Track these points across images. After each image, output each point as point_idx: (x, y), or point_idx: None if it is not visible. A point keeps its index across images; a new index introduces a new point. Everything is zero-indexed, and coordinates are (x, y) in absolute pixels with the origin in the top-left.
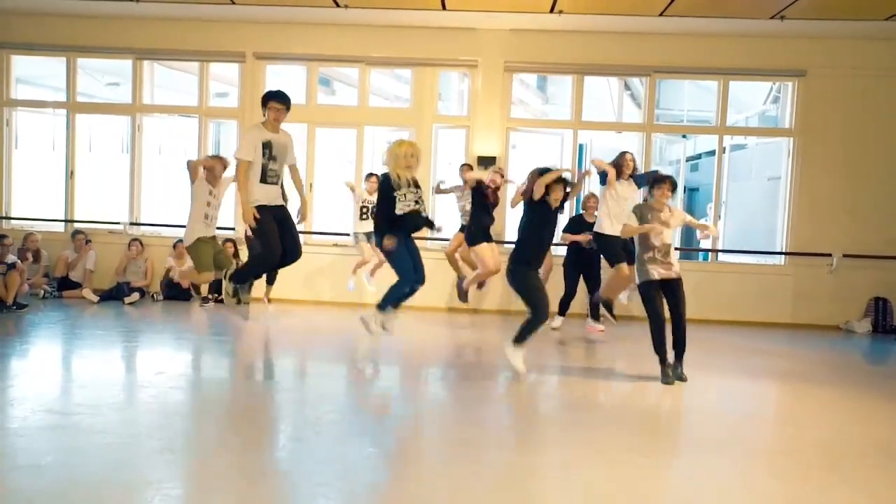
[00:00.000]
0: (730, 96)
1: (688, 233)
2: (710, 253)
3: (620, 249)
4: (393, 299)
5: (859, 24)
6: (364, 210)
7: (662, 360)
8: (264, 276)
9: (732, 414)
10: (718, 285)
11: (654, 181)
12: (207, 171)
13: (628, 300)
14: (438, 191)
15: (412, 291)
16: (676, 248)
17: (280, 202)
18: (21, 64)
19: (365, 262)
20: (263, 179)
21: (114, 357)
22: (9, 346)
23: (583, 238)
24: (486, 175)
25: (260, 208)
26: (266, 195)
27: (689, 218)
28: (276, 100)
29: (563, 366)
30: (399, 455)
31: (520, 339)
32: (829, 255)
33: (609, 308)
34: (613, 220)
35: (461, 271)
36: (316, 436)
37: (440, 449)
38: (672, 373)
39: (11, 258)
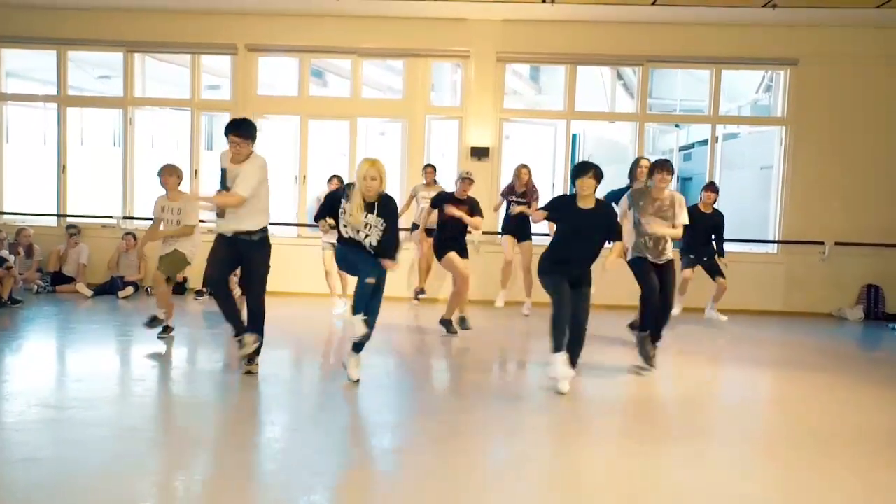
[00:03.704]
0: (722, 85)
1: None
2: None
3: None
4: (360, 299)
5: (851, 12)
6: None
7: (655, 338)
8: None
9: (728, 402)
10: None
11: (653, 166)
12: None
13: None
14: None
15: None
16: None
17: (238, 228)
18: (11, 57)
19: (328, 273)
20: None
21: (108, 351)
22: (3, 341)
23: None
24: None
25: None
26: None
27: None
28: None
29: None
30: (395, 445)
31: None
32: (822, 242)
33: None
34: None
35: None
36: (312, 426)
37: (437, 439)
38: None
39: (5, 253)
